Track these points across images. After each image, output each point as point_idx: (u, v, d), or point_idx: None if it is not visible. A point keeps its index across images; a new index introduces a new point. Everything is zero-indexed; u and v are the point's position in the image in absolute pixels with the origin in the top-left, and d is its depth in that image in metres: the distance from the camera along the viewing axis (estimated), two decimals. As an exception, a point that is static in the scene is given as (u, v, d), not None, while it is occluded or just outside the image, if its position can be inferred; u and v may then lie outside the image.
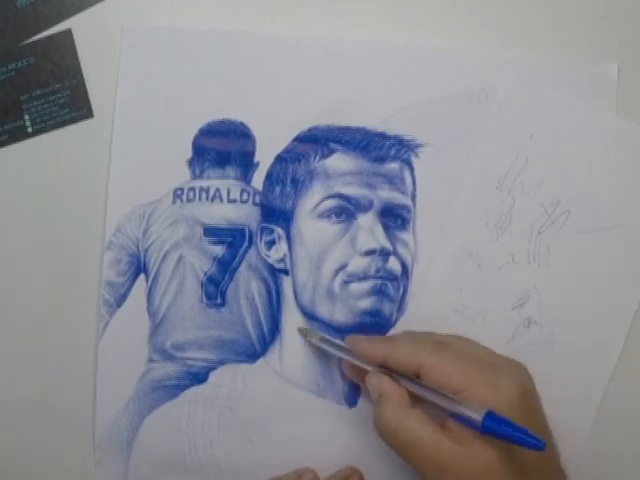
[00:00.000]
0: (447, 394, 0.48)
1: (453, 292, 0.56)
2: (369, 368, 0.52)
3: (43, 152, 0.57)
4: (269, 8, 0.57)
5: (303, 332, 0.56)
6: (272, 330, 0.57)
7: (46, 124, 0.57)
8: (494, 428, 0.45)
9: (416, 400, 0.50)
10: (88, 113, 0.57)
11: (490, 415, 0.46)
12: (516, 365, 0.52)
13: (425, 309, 0.56)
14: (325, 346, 0.55)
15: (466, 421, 0.47)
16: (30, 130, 0.57)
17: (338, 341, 0.54)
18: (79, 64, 0.56)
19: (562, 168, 0.56)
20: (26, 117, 0.57)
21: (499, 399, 0.47)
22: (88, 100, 0.57)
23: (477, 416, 0.46)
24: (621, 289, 0.56)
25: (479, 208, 0.56)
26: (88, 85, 0.57)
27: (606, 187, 0.56)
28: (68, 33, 0.56)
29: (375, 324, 0.56)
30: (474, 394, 0.47)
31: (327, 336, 0.55)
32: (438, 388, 0.48)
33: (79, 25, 0.56)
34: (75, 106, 0.57)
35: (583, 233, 0.56)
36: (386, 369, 0.51)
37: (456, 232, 0.56)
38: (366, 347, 0.52)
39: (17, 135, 0.57)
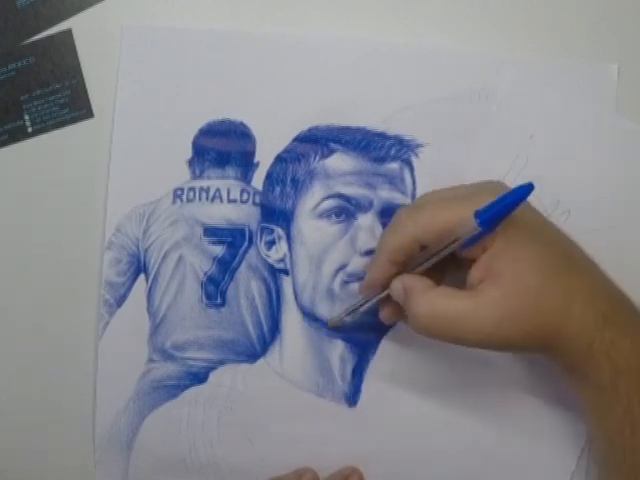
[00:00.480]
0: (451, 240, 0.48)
1: (453, 292, 0.56)
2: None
3: (43, 152, 0.57)
4: (269, 8, 0.57)
5: (333, 322, 0.56)
6: (272, 330, 0.57)
7: (46, 124, 0.57)
8: (489, 214, 0.45)
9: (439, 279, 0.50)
10: (88, 113, 0.57)
11: (477, 212, 0.45)
12: (490, 183, 0.51)
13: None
14: (354, 313, 0.54)
15: (473, 239, 0.46)
16: (30, 130, 0.57)
17: (361, 301, 0.54)
18: (79, 64, 0.56)
19: (562, 168, 0.56)
20: (26, 117, 0.57)
21: None
22: (88, 100, 0.57)
23: (473, 224, 0.46)
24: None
25: (479, 208, 0.56)
26: (88, 85, 0.57)
27: (606, 187, 0.56)
28: (68, 33, 0.56)
29: (375, 324, 0.56)
30: (466, 225, 0.47)
31: (349, 307, 0.55)
32: (441, 242, 0.48)
33: (79, 25, 0.56)
34: (75, 106, 0.57)
35: (583, 233, 0.56)
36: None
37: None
38: (373, 274, 0.52)
39: (17, 135, 0.57)
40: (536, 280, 0.47)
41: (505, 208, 0.45)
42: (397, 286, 0.50)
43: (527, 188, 0.45)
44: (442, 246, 0.48)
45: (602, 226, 0.56)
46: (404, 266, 0.50)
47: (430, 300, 0.48)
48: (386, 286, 0.51)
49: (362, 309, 0.54)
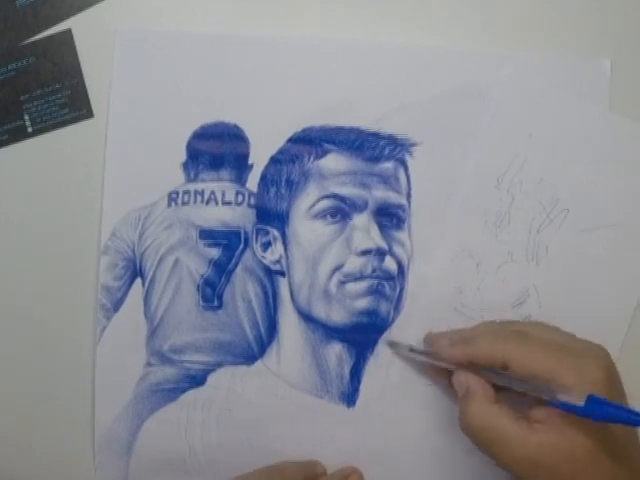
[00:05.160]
0: (537, 383, 0.47)
1: (452, 291, 0.56)
2: (454, 368, 0.51)
3: (43, 152, 0.57)
4: (263, 10, 0.57)
5: (393, 345, 0.56)
6: (269, 331, 0.56)
7: (46, 124, 0.57)
8: (597, 410, 0.44)
9: (502, 395, 0.49)
10: (88, 113, 0.57)
11: (593, 398, 0.45)
12: (598, 349, 0.50)
13: (423, 308, 0.56)
14: (413, 355, 0.54)
15: (563, 406, 0.46)
16: (30, 130, 0.57)
17: (424, 349, 0.54)
18: (79, 64, 0.57)
19: (561, 167, 0.56)
20: (26, 117, 0.57)
21: (584, 384, 0.47)
22: (88, 100, 0.57)
23: (577, 400, 0.45)
24: (620, 287, 0.56)
25: (478, 207, 0.56)
26: (88, 85, 0.57)
27: (604, 185, 0.56)
28: (68, 33, 0.57)
29: (372, 324, 0.56)
30: (560, 381, 0.47)
31: (414, 346, 0.55)
32: (524, 378, 0.48)
33: (79, 25, 0.57)
34: (75, 106, 0.57)
35: (582, 232, 0.56)
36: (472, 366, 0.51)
37: (455, 231, 0.56)
38: (448, 352, 0.52)
39: (17, 135, 0.57)
40: (584, 458, 0.47)
41: (616, 418, 0.45)
42: (461, 381, 0.51)
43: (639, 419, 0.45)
44: (528, 387, 0.48)
45: (601, 224, 0.56)
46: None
47: (485, 414, 0.48)
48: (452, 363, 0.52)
49: (418, 358, 0.55)
